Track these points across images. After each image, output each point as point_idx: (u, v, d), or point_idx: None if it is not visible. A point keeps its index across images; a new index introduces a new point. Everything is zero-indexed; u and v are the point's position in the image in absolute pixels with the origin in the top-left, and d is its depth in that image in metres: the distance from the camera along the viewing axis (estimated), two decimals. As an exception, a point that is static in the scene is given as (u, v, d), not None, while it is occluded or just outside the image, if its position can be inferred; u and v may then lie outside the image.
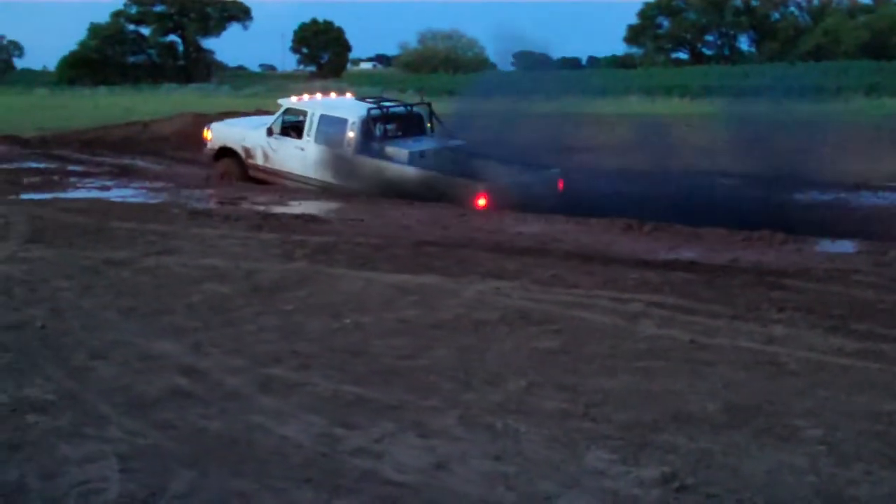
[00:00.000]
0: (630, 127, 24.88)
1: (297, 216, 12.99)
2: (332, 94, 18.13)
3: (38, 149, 23.76)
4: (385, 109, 16.54)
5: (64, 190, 15.91)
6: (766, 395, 6.17)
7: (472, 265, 9.87)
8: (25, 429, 5.62)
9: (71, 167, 19.62)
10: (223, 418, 5.81)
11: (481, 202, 14.19)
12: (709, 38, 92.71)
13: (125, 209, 13.63)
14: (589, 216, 13.11)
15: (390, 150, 15.62)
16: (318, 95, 17.79)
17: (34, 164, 19.99)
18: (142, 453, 5.31)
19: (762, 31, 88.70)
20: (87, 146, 24.47)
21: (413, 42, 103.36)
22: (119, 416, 5.80)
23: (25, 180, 16.82)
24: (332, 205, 14.09)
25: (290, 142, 16.58)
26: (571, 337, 7.41)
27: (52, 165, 19.84)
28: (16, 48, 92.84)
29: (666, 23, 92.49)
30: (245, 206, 13.95)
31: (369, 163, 15.50)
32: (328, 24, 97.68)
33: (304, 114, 16.53)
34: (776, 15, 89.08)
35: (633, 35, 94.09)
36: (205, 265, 9.97)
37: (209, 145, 18.18)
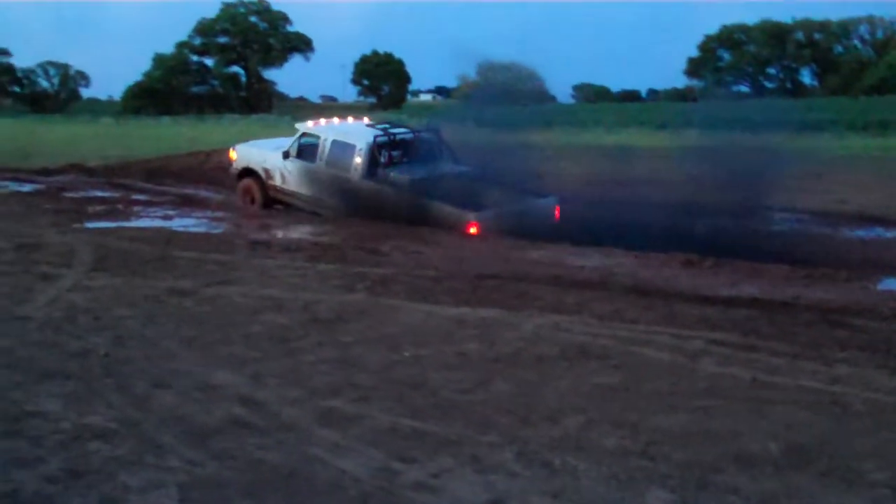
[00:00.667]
0: (681, 159, 24.67)
1: (356, 247, 13.05)
2: (349, 119, 18.31)
3: (102, 177, 24.18)
4: (392, 136, 16.74)
5: (128, 219, 16.16)
6: (830, 436, 6.06)
7: (531, 299, 9.85)
8: (87, 456, 5.68)
9: (135, 196, 19.93)
10: (281, 450, 5.82)
11: (472, 230, 14.46)
12: (771, 71, 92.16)
13: (187, 238, 13.80)
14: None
15: (394, 175, 15.87)
16: (336, 120, 17.91)
17: (99, 193, 20.35)
18: (201, 483, 5.34)
19: (825, 64, 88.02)
20: (150, 175, 24.80)
21: (472, 74, 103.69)
22: (179, 446, 5.84)
23: (90, 209, 17.10)
24: (391, 237, 14.11)
25: (305, 165, 16.89)
26: (631, 373, 7.35)
27: (117, 194, 20.19)
28: (82, 78, 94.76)
29: (727, 56, 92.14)
30: (304, 236, 14.05)
31: (372, 187, 15.83)
32: (388, 56, 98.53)
33: (318, 138, 16.88)
34: (839, 48, 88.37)
35: (694, 68, 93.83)
36: (264, 296, 10.05)
37: (233, 165, 18.71)
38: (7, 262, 11.82)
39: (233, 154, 18.84)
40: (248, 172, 18.17)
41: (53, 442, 5.89)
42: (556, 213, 15.88)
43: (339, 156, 16.35)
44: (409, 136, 17.28)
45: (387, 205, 15.50)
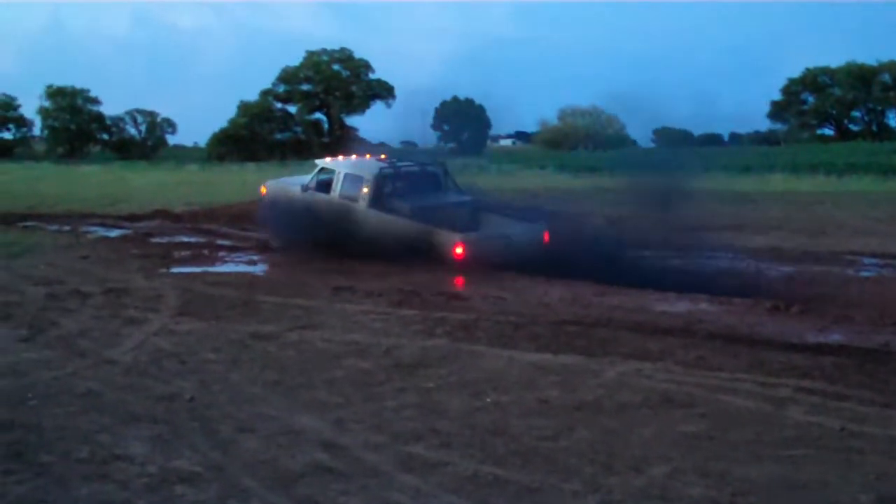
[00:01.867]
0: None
1: (437, 293, 13.07)
2: (367, 157, 19.13)
3: (188, 223, 24.48)
4: (397, 169, 17.80)
5: (212, 264, 16.41)
6: (923, 488, 5.89)
7: (613, 345, 9.78)
8: (173, 500, 5.74)
9: (219, 241, 20.18)
10: (363, 495, 5.82)
11: (458, 251, 15.30)
12: (855, 114, 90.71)
13: (271, 283, 13.96)
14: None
15: (397, 204, 16.83)
16: (353, 157, 18.93)
17: (184, 238, 20.66)
18: (284, 528, 5.36)
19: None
20: (234, 221, 25.05)
21: (553, 119, 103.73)
22: (263, 490, 5.88)
23: (176, 254, 17.38)
24: (472, 282, 14.14)
25: (322, 197, 17.64)
26: (716, 422, 7.24)
27: (202, 239, 20.46)
28: (169, 125, 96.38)
29: (811, 99, 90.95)
30: (386, 282, 14.11)
31: (376, 215, 16.70)
32: (469, 102, 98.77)
33: (333, 172, 17.83)
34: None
35: (777, 111, 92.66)
36: (347, 340, 10.12)
37: (262, 200, 19.83)
38: (96, 307, 12.07)
39: (263, 189, 19.93)
40: None
41: (140, 485, 5.97)
42: (546, 237, 16.49)
43: (349, 187, 17.30)
44: (415, 169, 18.40)
45: (389, 231, 16.23)
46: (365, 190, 16.95)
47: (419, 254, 15.42)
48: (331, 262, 15.98)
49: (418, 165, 18.66)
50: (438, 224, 15.96)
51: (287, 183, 19.75)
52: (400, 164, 18.10)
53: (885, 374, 8.60)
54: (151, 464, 6.36)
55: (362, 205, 16.84)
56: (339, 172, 17.69)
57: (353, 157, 18.86)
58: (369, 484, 6.01)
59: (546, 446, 6.72)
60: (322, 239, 16.83)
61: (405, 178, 17.78)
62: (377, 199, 16.86)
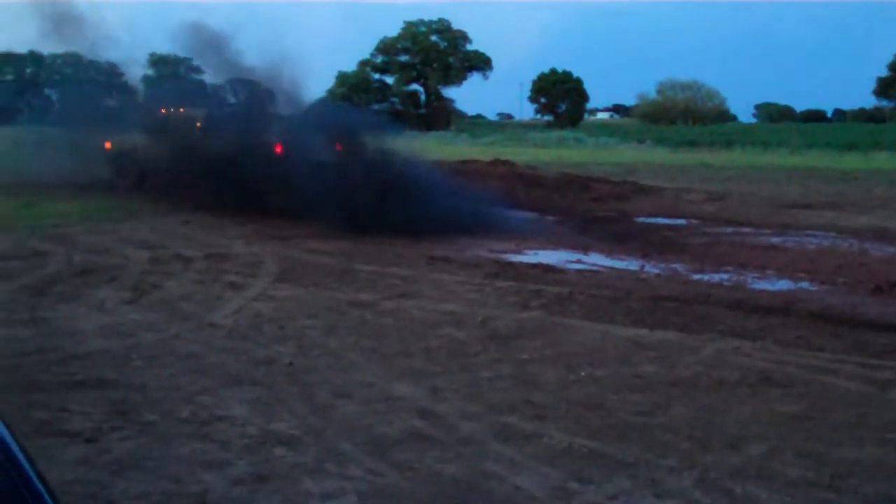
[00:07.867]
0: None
1: (533, 265, 13.09)
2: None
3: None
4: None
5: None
6: None
7: (711, 322, 9.67)
8: (273, 461, 5.84)
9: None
10: (459, 463, 5.86)
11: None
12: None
13: (368, 253, 14.07)
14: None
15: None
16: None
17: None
18: (380, 492, 5.42)
19: None
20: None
21: (652, 92, 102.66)
22: (360, 455, 5.95)
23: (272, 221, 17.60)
24: (568, 255, 14.11)
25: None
26: (816, 402, 7.12)
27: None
28: (267, 94, 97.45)
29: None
30: (481, 253, 14.16)
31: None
32: (567, 74, 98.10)
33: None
34: None
35: (883, 88, 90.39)
36: (442, 310, 10.17)
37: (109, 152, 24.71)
38: (197, 271, 12.32)
39: (108, 144, 24.30)
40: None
41: (241, 446, 6.08)
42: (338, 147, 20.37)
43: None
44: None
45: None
46: (198, 124, 23.35)
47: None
48: (423, 233, 16.06)
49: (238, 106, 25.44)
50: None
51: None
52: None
53: None
54: (251, 425, 6.48)
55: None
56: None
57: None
58: (464, 452, 6.05)
59: (641, 421, 6.68)
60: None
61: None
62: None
